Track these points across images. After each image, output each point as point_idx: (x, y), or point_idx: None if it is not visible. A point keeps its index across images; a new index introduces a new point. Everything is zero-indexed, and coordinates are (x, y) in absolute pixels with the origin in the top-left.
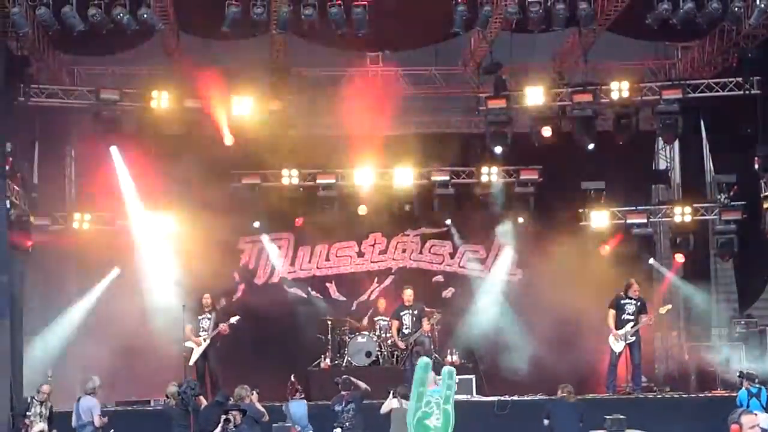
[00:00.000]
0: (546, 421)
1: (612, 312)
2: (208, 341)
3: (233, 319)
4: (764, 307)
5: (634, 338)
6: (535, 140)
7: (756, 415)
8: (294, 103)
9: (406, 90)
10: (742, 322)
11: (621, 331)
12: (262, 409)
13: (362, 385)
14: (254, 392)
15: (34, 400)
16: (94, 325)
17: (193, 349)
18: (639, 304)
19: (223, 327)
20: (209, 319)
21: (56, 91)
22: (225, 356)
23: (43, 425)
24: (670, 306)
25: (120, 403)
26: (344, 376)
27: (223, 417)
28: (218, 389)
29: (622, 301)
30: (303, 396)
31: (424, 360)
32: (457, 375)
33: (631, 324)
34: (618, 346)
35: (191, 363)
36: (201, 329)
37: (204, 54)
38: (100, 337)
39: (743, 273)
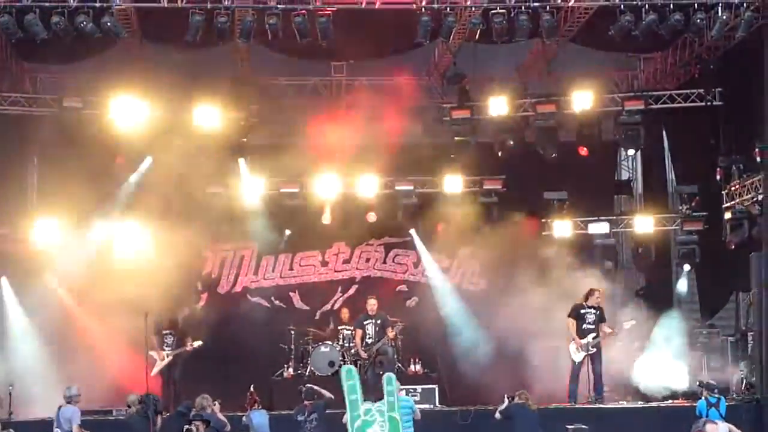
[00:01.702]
0: (498, 415)
1: (572, 321)
2: (170, 358)
3: (196, 344)
4: (727, 317)
5: (595, 349)
6: (499, 150)
7: (717, 424)
8: (258, 112)
9: (369, 99)
10: (704, 332)
11: (583, 341)
12: (224, 420)
13: (326, 393)
14: (216, 402)
15: None
16: (58, 334)
17: (156, 360)
18: (599, 312)
19: (185, 349)
20: (173, 335)
21: (19, 99)
22: (187, 366)
23: None
24: (634, 321)
25: (81, 413)
26: (307, 385)
27: (186, 427)
28: (180, 399)
29: (582, 311)
30: (261, 407)
31: (346, 368)
32: (420, 385)
33: (593, 335)
34: (578, 356)
35: (152, 374)
36: (165, 344)
37: (167, 62)
38: (61, 346)
39: (705, 283)
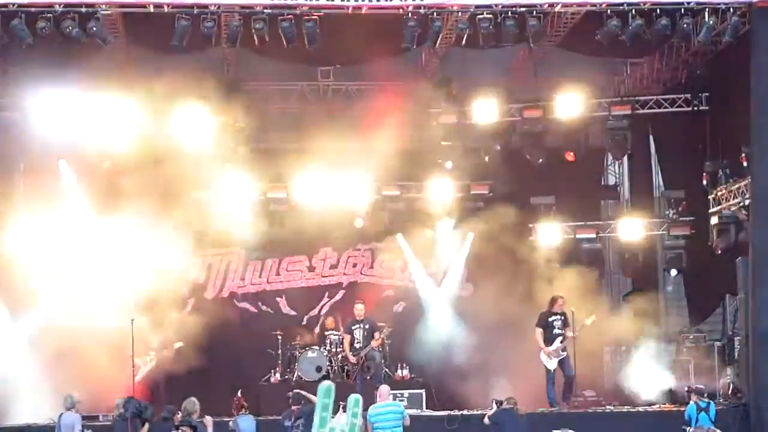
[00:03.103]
0: (487, 420)
1: (539, 330)
2: (154, 363)
3: (176, 345)
4: (714, 321)
5: (565, 353)
6: (486, 155)
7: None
8: (245, 116)
9: (356, 104)
10: (691, 337)
11: (552, 348)
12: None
13: (313, 398)
14: (207, 417)
15: None
16: (40, 339)
17: (140, 366)
18: (563, 318)
19: (167, 350)
20: (156, 340)
21: (5, 104)
22: (174, 371)
23: None
24: (594, 317)
25: None
26: (295, 390)
27: None
28: (165, 404)
29: (550, 318)
30: (248, 412)
31: (326, 384)
32: (407, 389)
33: (560, 339)
34: (552, 364)
35: (137, 379)
36: (149, 349)
37: (154, 67)
38: (48, 351)
39: (693, 288)
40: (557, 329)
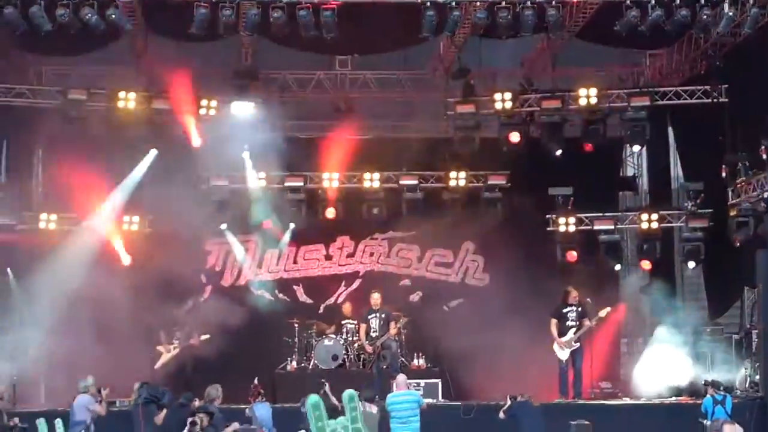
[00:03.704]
0: (502, 415)
1: (554, 321)
2: (177, 351)
3: (203, 337)
4: (732, 314)
5: (578, 344)
6: (503, 145)
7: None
8: (262, 105)
9: (374, 94)
10: (708, 330)
11: (565, 339)
12: None
13: (334, 400)
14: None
15: None
16: (61, 325)
17: (162, 353)
18: (580, 309)
19: (195, 340)
20: (182, 329)
21: (23, 91)
22: (191, 359)
23: None
24: (609, 309)
25: None
26: (323, 380)
27: (190, 419)
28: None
29: (564, 309)
30: (264, 399)
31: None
32: (423, 379)
33: (574, 330)
34: (564, 354)
35: (156, 367)
36: (174, 337)
37: (172, 55)
38: (66, 337)
39: (712, 281)
40: (570, 321)
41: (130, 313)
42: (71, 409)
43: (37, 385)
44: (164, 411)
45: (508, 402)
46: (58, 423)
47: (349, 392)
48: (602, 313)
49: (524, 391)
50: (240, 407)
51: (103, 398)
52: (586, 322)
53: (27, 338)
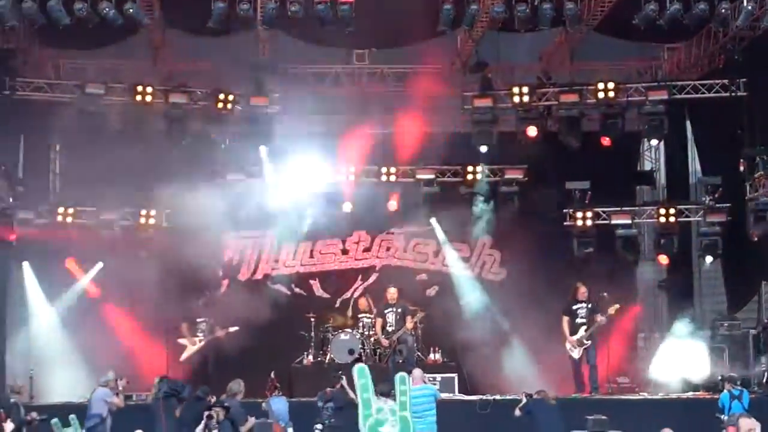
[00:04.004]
0: (518, 412)
1: (566, 319)
2: (202, 344)
3: (232, 329)
4: (750, 309)
5: (590, 341)
6: (521, 140)
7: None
8: (279, 99)
9: (391, 88)
10: (726, 324)
11: (576, 337)
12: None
13: (351, 395)
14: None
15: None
16: (77, 319)
17: (186, 346)
18: (590, 306)
19: (220, 332)
20: (207, 322)
21: (41, 85)
22: (212, 352)
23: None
24: (618, 306)
25: None
26: (340, 373)
27: (206, 413)
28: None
29: (574, 306)
30: (281, 393)
31: (359, 366)
32: (439, 373)
33: (584, 327)
34: (576, 353)
35: (181, 360)
36: (198, 330)
37: (190, 49)
38: (84, 330)
39: (731, 275)
40: (580, 318)
41: (147, 307)
42: (89, 402)
43: (54, 379)
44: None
45: (524, 399)
46: (73, 419)
47: (400, 375)
48: (611, 309)
49: (541, 386)
50: (256, 401)
51: (121, 390)
52: (598, 318)
53: (44, 332)
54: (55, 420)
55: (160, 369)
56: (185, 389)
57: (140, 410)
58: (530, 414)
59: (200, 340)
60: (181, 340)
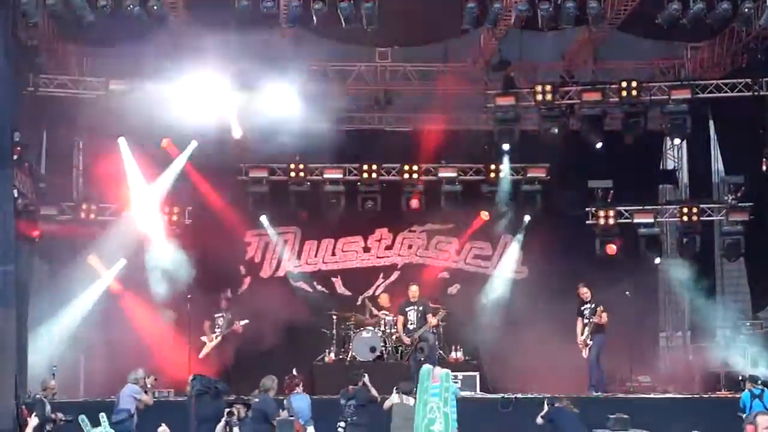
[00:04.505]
0: (540, 420)
1: (579, 320)
2: (219, 338)
3: (242, 323)
4: None
5: (592, 341)
6: (543, 138)
7: None
8: (302, 96)
9: (414, 86)
10: (748, 324)
11: (582, 337)
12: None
13: (373, 392)
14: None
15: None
16: (100, 316)
17: (205, 343)
18: (593, 306)
19: (237, 326)
20: (224, 317)
21: (65, 82)
22: (232, 349)
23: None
24: (605, 314)
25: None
26: (362, 371)
27: (227, 410)
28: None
29: (582, 307)
30: (302, 390)
31: (426, 367)
32: (461, 372)
33: (587, 329)
34: (585, 353)
35: (200, 356)
36: (216, 326)
37: (213, 46)
38: (106, 327)
39: (754, 275)
40: (586, 318)
41: (168, 303)
42: (117, 397)
43: (77, 376)
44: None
45: (546, 407)
46: (103, 417)
47: (445, 372)
48: (602, 319)
49: (562, 384)
50: (277, 398)
51: (149, 387)
52: (594, 319)
53: (67, 328)
54: (82, 416)
55: (182, 366)
56: (219, 386)
57: (162, 407)
58: (552, 422)
59: (217, 336)
60: (203, 338)
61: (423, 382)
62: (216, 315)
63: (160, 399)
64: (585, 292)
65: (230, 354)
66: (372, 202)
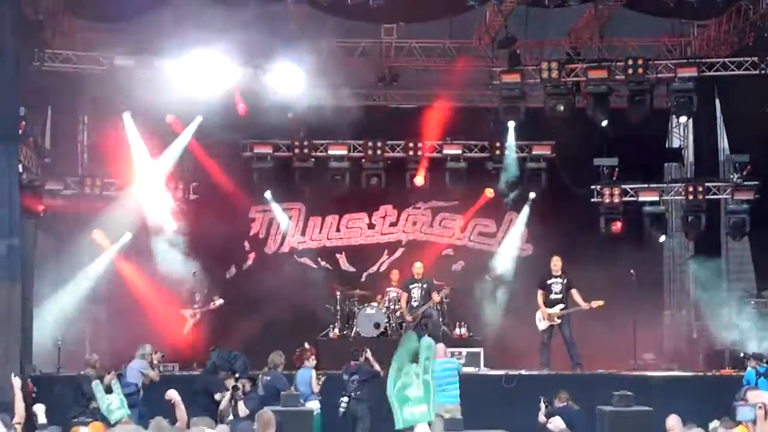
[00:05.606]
0: (542, 418)
1: (540, 292)
2: (198, 317)
3: (217, 302)
4: None
5: (559, 320)
6: (549, 116)
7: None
8: (307, 72)
9: (419, 62)
10: (752, 302)
11: (550, 310)
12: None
13: (376, 367)
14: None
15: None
16: (105, 291)
17: (187, 318)
18: (565, 280)
19: (213, 305)
20: (200, 293)
21: (70, 57)
22: (233, 326)
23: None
24: (601, 302)
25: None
26: (364, 347)
27: (233, 384)
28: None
29: (548, 281)
30: (309, 364)
31: (429, 340)
32: (465, 348)
33: (561, 306)
34: (542, 325)
35: (184, 332)
36: (194, 302)
37: (219, 22)
38: (111, 302)
39: (759, 253)
40: (555, 293)
41: (173, 279)
42: (123, 371)
43: (81, 351)
44: (237, 375)
45: (542, 407)
46: (115, 383)
47: (427, 340)
48: (594, 304)
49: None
50: (289, 373)
51: (156, 363)
52: (579, 300)
53: (71, 303)
54: (96, 382)
55: (185, 341)
56: (237, 360)
57: (168, 382)
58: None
59: (194, 314)
60: (184, 311)
61: (423, 352)
62: (193, 291)
63: (165, 373)
64: (556, 263)
65: (231, 330)
66: (377, 179)
